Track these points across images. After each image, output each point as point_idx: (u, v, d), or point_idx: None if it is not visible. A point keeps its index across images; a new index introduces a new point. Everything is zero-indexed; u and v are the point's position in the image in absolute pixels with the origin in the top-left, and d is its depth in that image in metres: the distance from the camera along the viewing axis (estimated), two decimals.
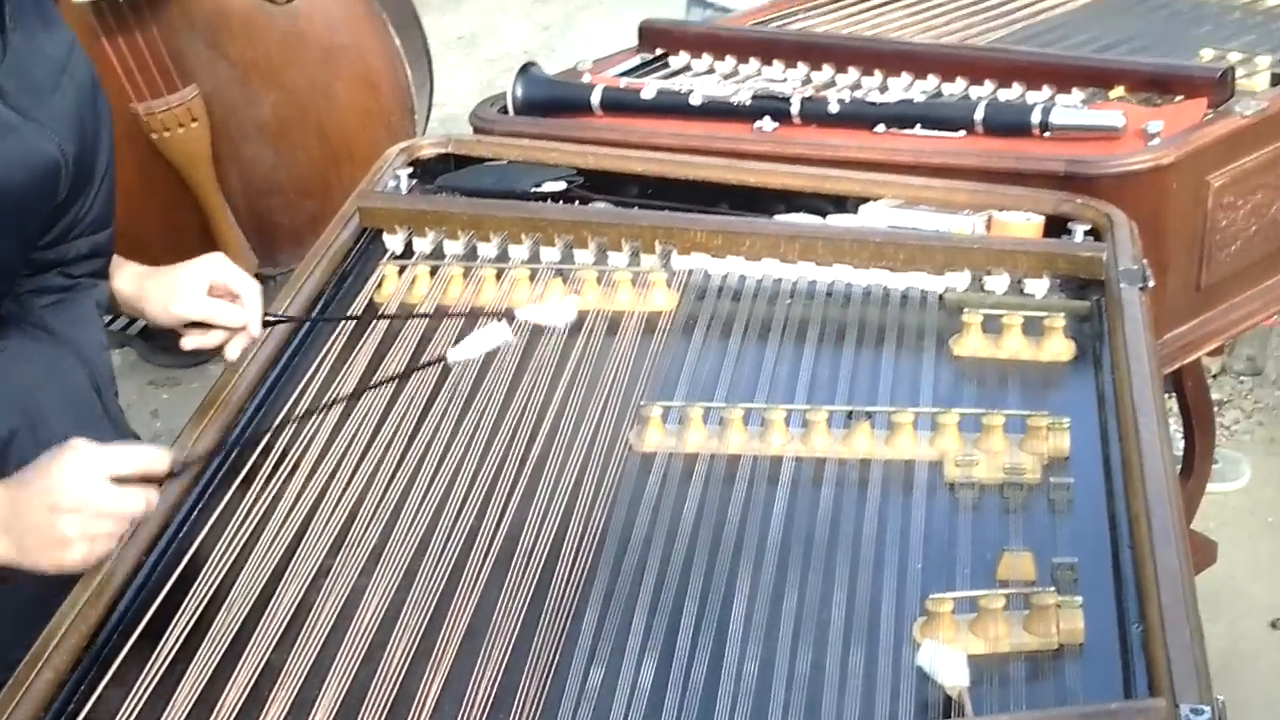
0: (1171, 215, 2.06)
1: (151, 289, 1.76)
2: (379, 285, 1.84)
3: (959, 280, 1.80)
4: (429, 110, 3.56)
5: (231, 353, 1.72)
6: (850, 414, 1.55)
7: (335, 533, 1.44)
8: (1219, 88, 2.16)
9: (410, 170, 2.10)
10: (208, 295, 1.72)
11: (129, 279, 1.78)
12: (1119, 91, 2.24)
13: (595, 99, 2.36)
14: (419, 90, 3.46)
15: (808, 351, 1.71)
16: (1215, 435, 2.85)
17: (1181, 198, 2.07)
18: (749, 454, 1.53)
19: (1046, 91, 2.26)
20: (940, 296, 1.79)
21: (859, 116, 2.22)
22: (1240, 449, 3.41)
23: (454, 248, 1.92)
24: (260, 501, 1.49)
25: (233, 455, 1.55)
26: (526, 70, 2.43)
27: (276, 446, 1.56)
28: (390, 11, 3.43)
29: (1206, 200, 2.11)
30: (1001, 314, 1.70)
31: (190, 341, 1.75)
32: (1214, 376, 3.58)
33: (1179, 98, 2.19)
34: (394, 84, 3.42)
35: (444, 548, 1.41)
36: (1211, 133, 2.11)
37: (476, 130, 2.34)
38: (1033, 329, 1.70)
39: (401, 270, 1.86)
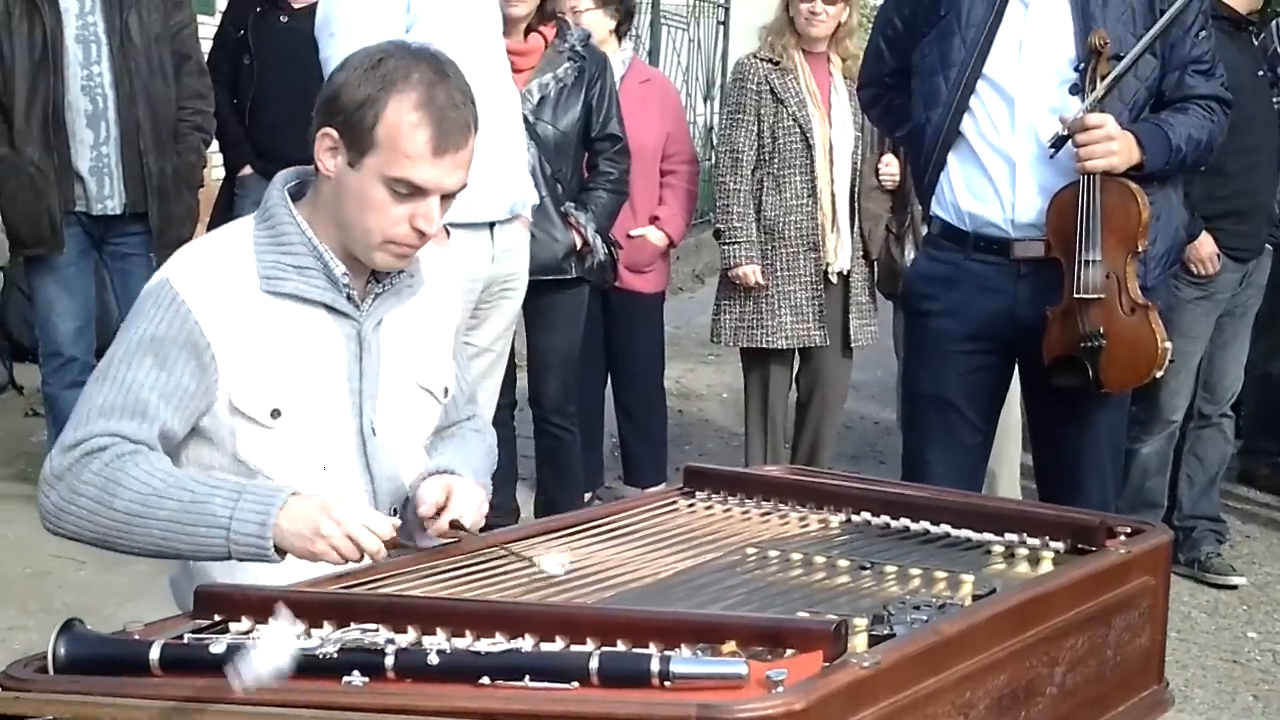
0: None
1: None
2: None
3: None
4: None
5: None
6: None
7: None
8: (835, 640, 2.08)
9: None
10: None
11: None
12: (730, 646, 2.13)
13: (154, 655, 2.07)
14: None
15: None
16: None
17: None
18: None
19: (654, 648, 2.12)
20: None
21: (462, 668, 2.01)
22: None
23: None
24: None
25: None
26: (70, 627, 2.13)
27: None
28: None
29: None
30: None
31: None
32: None
33: (791, 651, 2.10)
34: None
35: None
36: (836, 681, 2.00)
37: (6, 689, 2.01)
38: None
39: None
